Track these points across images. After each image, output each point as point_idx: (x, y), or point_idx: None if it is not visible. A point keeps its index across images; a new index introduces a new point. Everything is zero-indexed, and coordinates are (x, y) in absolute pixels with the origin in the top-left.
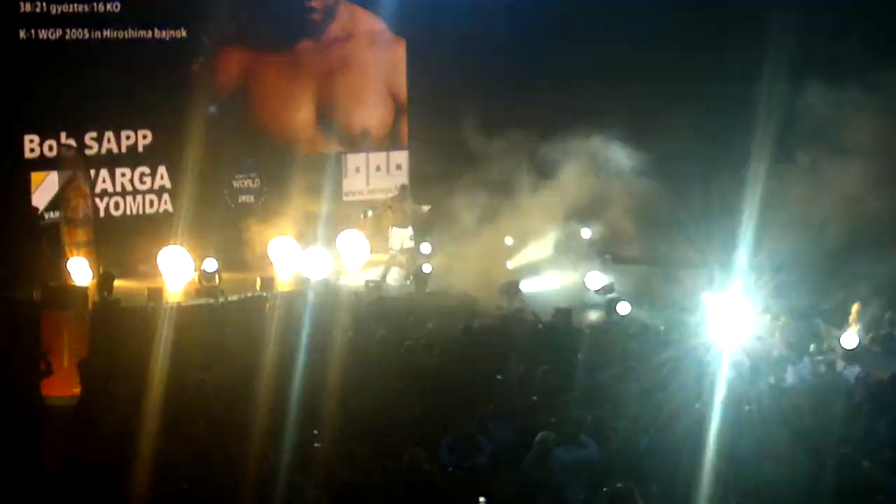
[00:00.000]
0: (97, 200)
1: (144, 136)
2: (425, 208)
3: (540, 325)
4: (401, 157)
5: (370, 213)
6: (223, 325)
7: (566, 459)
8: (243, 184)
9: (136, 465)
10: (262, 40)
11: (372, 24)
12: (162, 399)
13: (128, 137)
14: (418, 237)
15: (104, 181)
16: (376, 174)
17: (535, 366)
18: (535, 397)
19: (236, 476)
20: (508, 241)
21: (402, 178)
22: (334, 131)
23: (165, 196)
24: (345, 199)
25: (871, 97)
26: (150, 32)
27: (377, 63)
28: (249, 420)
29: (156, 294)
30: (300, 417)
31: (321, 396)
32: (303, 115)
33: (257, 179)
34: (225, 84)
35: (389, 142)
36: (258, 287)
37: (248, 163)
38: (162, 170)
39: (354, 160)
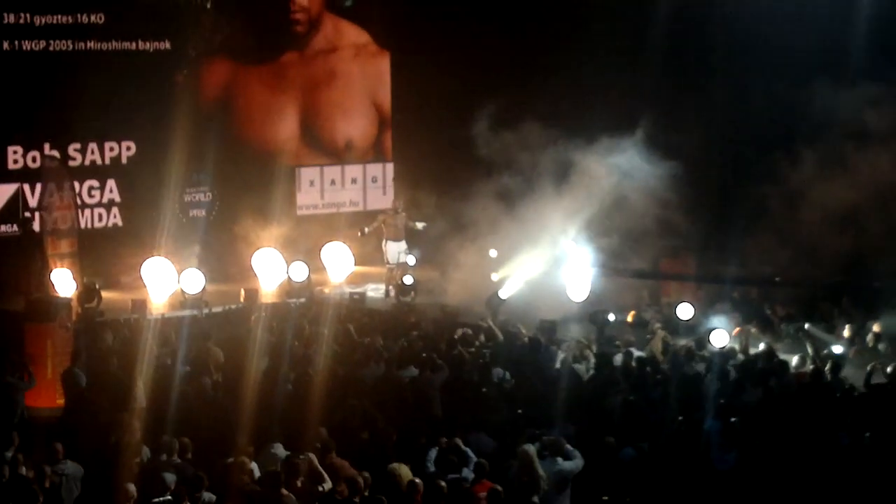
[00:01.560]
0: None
1: (128, 148)
2: (420, 225)
3: (526, 338)
4: (355, 170)
5: (366, 230)
6: (208, 336)
7: (550, 471)
8: (194, 197)
9: (121, 474)
10: (247, 52)
11: (356, 36)
12: (146, 409)
13: (111, 149)
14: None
15: (92, 193)
16: (331, 188)
17: (520, 379)
18: (520, 410)
19: (220, 487)
20: (492, 253)
21: (383, 191)
22: (318, 143)
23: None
24: (298, 213)
25: None
26: (134, 44)
27: (361, 75)
28: (233, 431)
29: (140, 306)
30: (283, 429)
31: (305, 408)
32: (287, 127)
33: (209, 193)
34: (209, 96)
35: (373, 154)
36: (242, 299)
37: (199, 176)
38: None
39: (308, 173)
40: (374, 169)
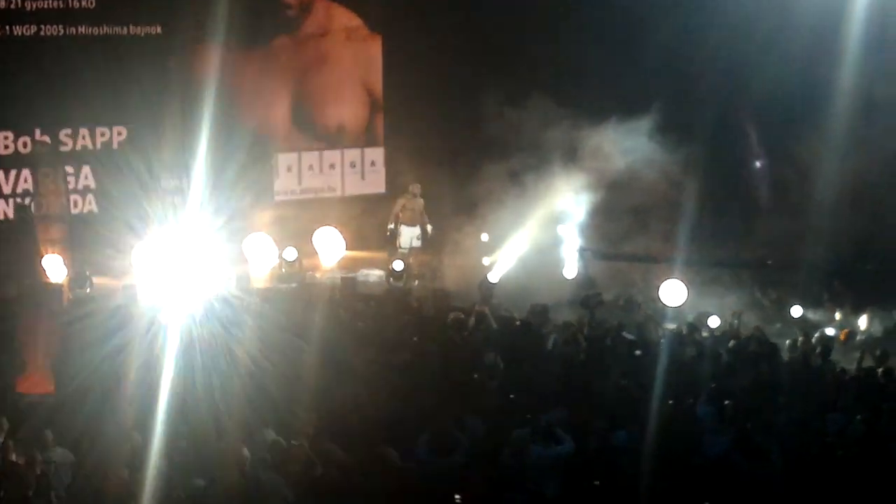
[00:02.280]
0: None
1: (119, 133)
2: (429, 229)
3: (517, 322)
4: (334, 156)
5: (391, 226)
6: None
7: (542, 456)
8: (170, 183)
9: (112, 462)
10: (238, 37)
11: (348, 20)
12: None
13: (102, 134)
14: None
15: (86, 177)
16: (309, 173)
17: (511, 363)
18: (511, 395)
19: (212, 474)
20: (484, 237)
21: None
22: (310, 128)
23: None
24: (276, 198)
25: None
26: (125, 29)
27: (353, 59)
28: (225, 417)
29: (130, 291)
30: (275, 415)
31: (297, 394)
32: (279, 111)
33: (185, 179)
34: (201, 81)
35: (365, 139)
36: (233, 285)
37: (175, 162)
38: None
39: (285, 159)
40: (353, 154)
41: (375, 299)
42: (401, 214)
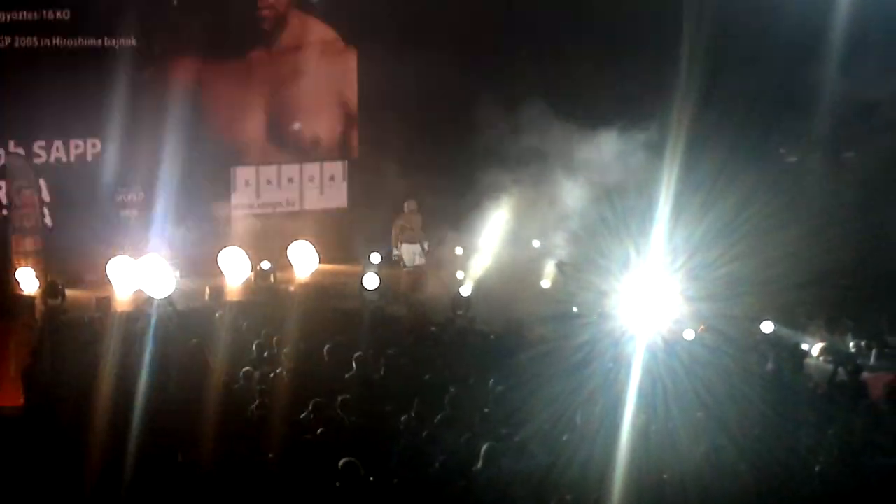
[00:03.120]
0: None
1: (94, 145)
2: (426, 245)
3: (491, 337)
4: (292, 170)
5: (395, 252)
6: (172, 334)
7: (515, 469)
8: (126, 198)
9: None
10: (214, 49)
11: (323, 33)
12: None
13: (77, 146)
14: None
15: (60, 189)
16: (267, 187)
17: (485, 377)
18: (486, 409)
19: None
20: (458, 251)
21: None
22: (285, 141)
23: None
24: (234, 213)
25: None
26: (100, 40)
27: (328, 73)
28: (195, 428)
29: (104, 303)
30: (245, 426)
31: (269, 407)
32: (254, 124)
33: (140, 193)
34: (176, 93)
35: (339, 152)
36: (207, 296)
37: (131, 175)
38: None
39: (243, 173)
40: (312, 169)
41: (350, 313)
42: (400, 235)
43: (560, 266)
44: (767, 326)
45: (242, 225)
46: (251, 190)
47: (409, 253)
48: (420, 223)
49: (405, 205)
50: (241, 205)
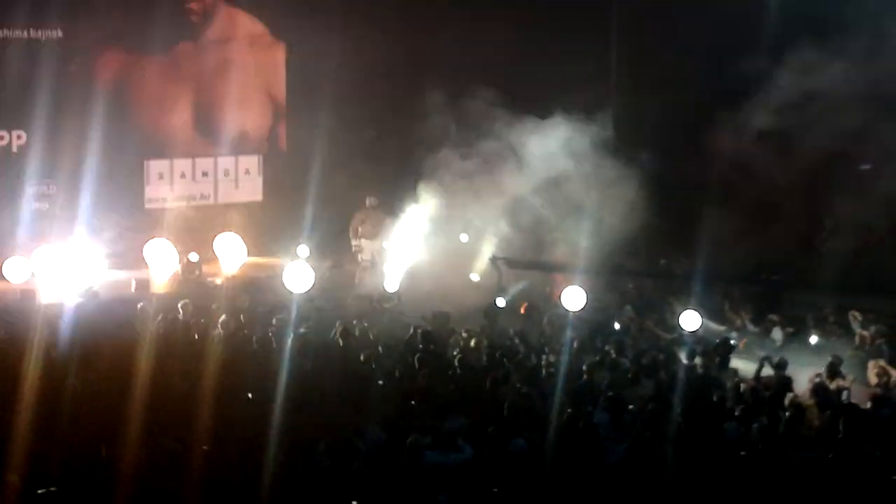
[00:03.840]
0: None
1: (19, 137)
2: (385, 245)
3: (418, 330)
4: (206, 163)
5: (354, 242)
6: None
7: (440, 462)
8: (38, 189)
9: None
10: (141, 42)
11: (252, 27)
12: (33, 403)
13: (1, 138)
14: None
15: None
16: (181, 181)
17: (411, 370)
18: (412, 402)
19: (106, 480)
20: (384, 244)
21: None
22: (212, 134)
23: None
24: (147, 206)
25: None
26: (25, 32)
27: (256, 66)
28: (121, 423)
29: (28, 295)
30: (173, 421)
31: (194, 402)
32: (181, 117)
33: (53, 186)
34: (103, 86)
35: (268, 145)
36: (133, 289)
37: (56, 168)
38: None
39: (157, 166)
40: (227, 162)
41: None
42: (360, 229)
43: (493, 260)
44: (691, 318)
45: (166, 217)
46: (165, 183)
47: (369, 250)
48: (381, 219)
49: (367, 200)
50: (155, 198)
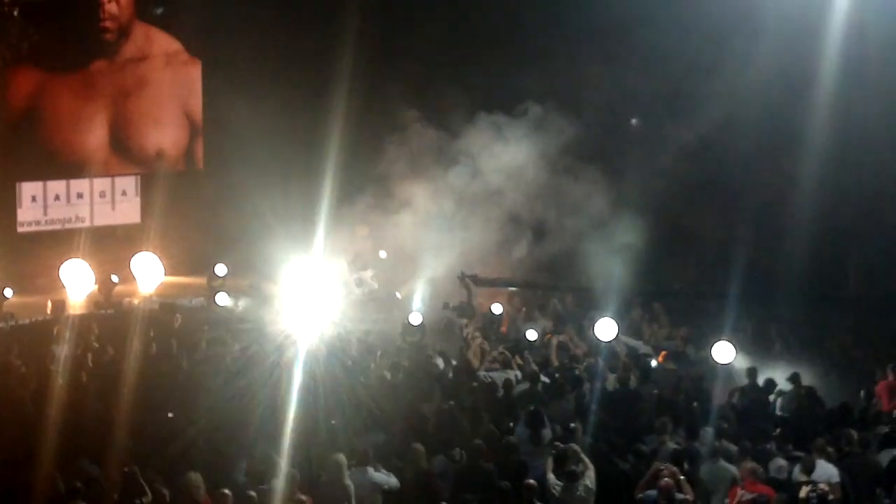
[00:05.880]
0: None
1: None
2: (382, 254)
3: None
4: (82, 185)
5: (355, 276)
6: (9, 349)
7: (361, 480)
8: None
9: None
10: (55, 60)
11: (168, 44)
12: None
13: None
14: None
15: None
16: (55, 204)
17: (333, 388)
18: (332, 421)
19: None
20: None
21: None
22: (128, 152)
23: None
24: (20, 230)
25: None
26: None
27: (173, 84)
28: (37, 443)
29: None
30: (90, 443)
31: (113, 422)
32: (96, 136)
33: None
34: (16, 104)
35: (185, 163)
36: (49, 310)
37: None
38: None
39: (30, 188)
40: (102, 184)
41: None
42: (356, 261)
43: (462, 278)
44: (607, 327)
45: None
46: (38, 206)
47: (360, 280)
48: (370, 248)
49: (356, 230)
50: (27, 222)
